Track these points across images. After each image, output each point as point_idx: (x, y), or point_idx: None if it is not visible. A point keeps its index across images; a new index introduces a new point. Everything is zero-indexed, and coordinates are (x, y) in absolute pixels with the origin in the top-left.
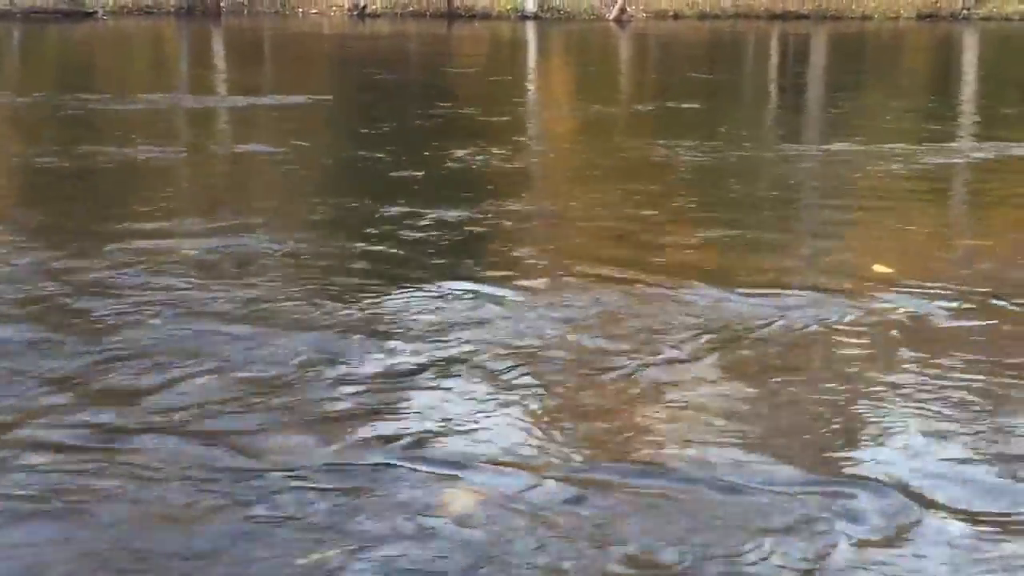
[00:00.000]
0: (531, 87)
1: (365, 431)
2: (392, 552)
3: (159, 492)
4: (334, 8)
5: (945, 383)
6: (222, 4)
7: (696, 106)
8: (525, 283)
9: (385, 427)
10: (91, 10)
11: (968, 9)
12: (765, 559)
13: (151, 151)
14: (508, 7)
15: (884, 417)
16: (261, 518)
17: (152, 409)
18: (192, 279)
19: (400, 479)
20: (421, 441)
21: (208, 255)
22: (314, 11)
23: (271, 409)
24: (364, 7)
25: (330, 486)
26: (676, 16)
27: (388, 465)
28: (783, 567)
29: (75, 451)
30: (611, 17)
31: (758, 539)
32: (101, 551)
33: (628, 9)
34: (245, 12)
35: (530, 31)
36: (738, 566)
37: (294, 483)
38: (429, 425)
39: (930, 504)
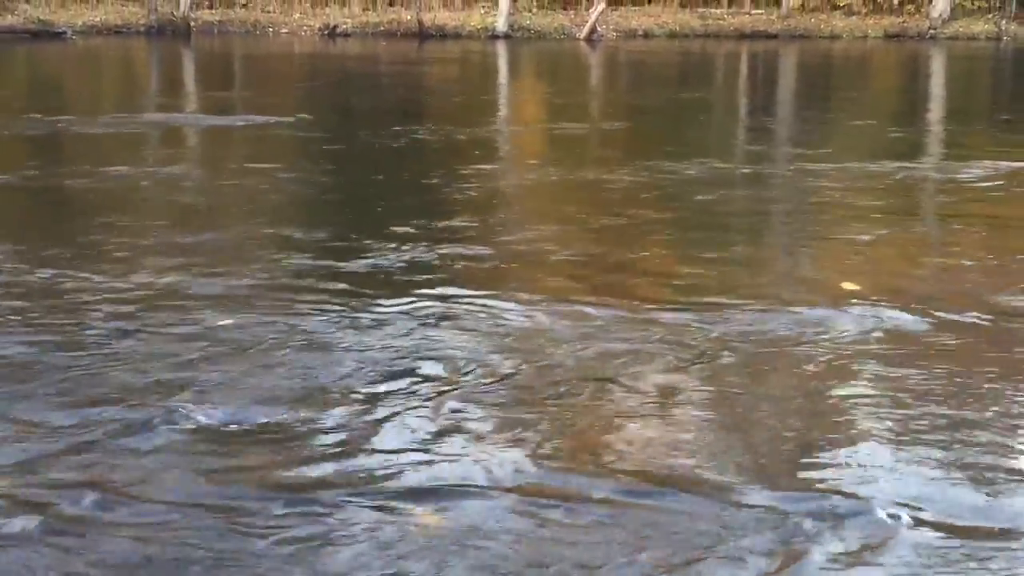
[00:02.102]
0: (500, 107)
1: (332, 455)
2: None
3: (120, 534)
4: (305, 28)
5: (915, 399)
6: (192, 24)
7: (664, 124)
8: (491, 303)
9: (352, 452)
10: (60, 30)
11: (935, 29)
12: (737, 574)
13: (115, 172)
14: (479, 27)
15: (854, 432)
16: (228, 550)
17: (119, 453)
18: (152, 301)
19: (366, 503)
20: (387, 464)
21: (159, 280)
22: (285, 31)
23: (236, 437)
24: (335, 27)
25: (296, 511)
26: (646, 35)
27: (354, 491)
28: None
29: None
30: (582, 36)
31: (730, 554)
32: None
33: (599, 28)
34: (215, 32)
35: (501, 50)
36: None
37: (257, 511)
38: (395, 447)
39: (903, 518)
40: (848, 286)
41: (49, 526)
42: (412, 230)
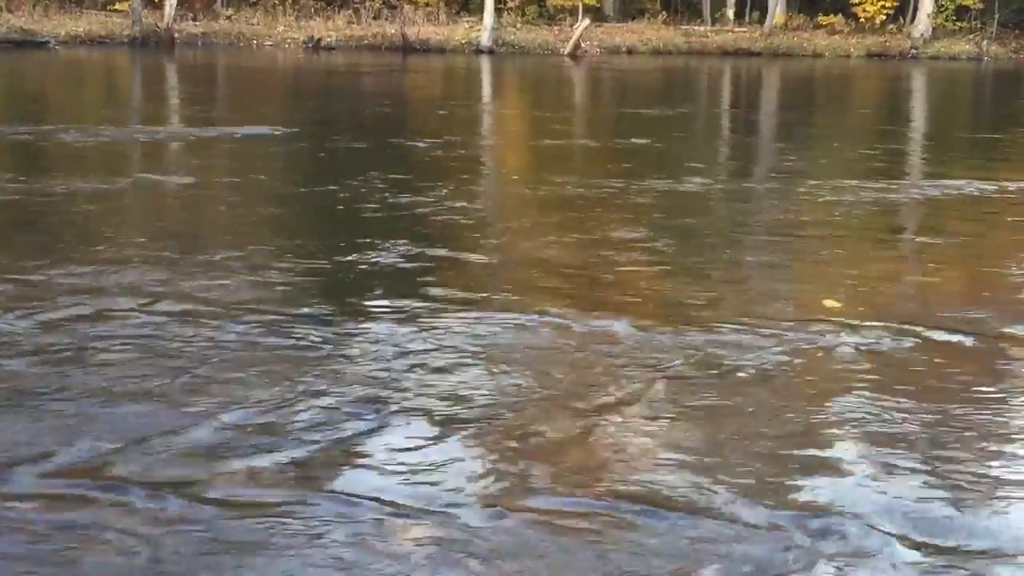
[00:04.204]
0: (483, 122)
1: (315, 470)
2: None
3: (111, 538)
4: (289, 40)
5: (894, 417)
6: (176, 36)
7: (646, 142)
8: (471, 317)
9: (335, 466)
10: (43, 39)
11: (916, 48)
12: None
13: (91, 184)
14: (463, 41)
15: (833, 450)
16: (218, 546)
17: (102, 446)
18: (139, 316)
19: (348, 516)
20: (370, 478)
21: (146, 289)
22: (269, 43)
23: (222, 450)
24: (319, 40)
25: (279, 522)
26: (630, 51)
27: (341, 494)
28: None
29: None
30: (566, 52)
31: (712, 571)
32: None
33: (583, 44)
34: (199, 44)
35: (485, 65)
36: None
37: (237, 521)
38: (377, 462)
39: (880, 536)
40: (829, 303)
41: None
42: (392, 243)
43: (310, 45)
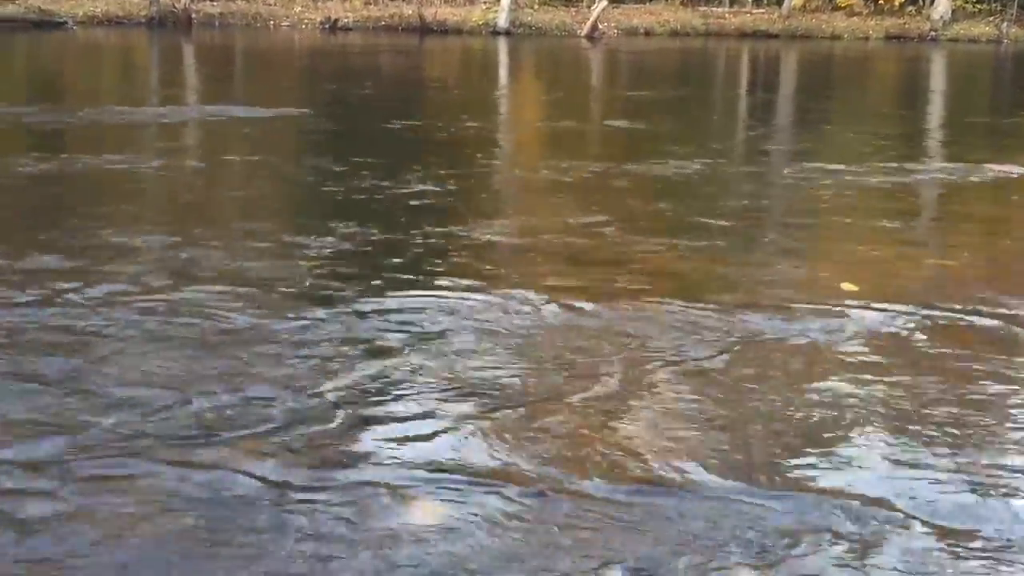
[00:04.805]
0: (500, 103)
1: (335, 445)
2: (363, 564)
3: (131, 510)
4: (306, 21)
5: (912, 400)
6: (193, 16)
7: (665, 124)
8: (490, 298)
9: (354, 440)
10: (61, 20)
11: (935, 31)
12: (730, 571)
13: (114, 162)
14: (480, 22)
15: (849, 433)
16: (234, 531)
17: (123, 429)
18: (156, 296)
19: (368, 492)
20: (390, 454)
21: (168, 265)
22: (286, 24)
23: (243, 425)
24: (336, 21)
25: (301, 499)
26: (647, 33)
27: (357, 479)
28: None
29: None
30: (583, 34)
31: (724, 553)
32: (61, 562)
33: (600, 26)
34: (216, 24)
35: (502, 47)
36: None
37: (266, 497)
38: (398, 437)
39: (898, 519)
40: (847, 287)
41: None
42: (410, 223)
43: (327, 26)
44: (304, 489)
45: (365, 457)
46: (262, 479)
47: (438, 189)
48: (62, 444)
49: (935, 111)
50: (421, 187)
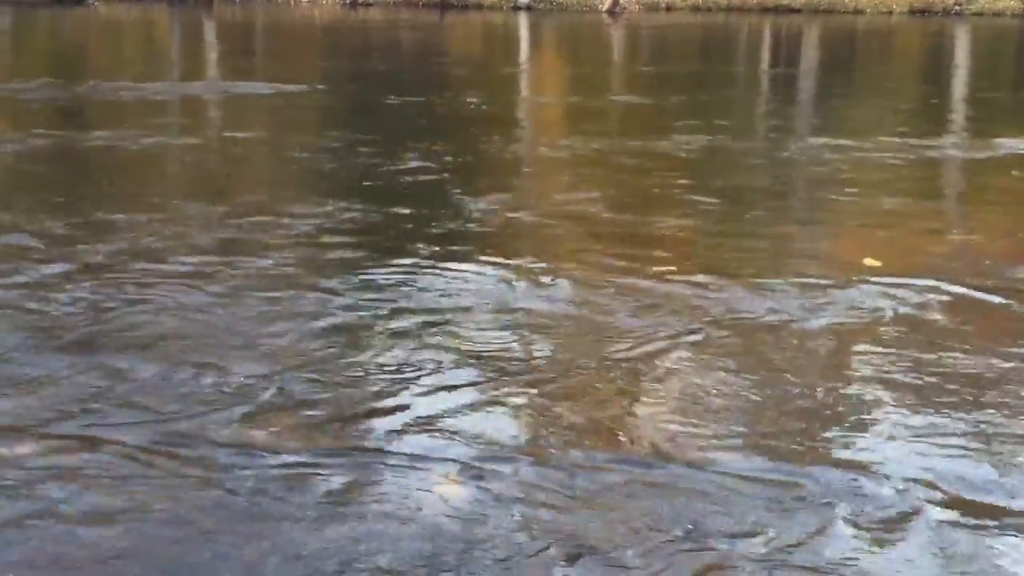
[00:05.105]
0: (521, 78)
1: (360, 419)
2: (385, 538)
3: (154, 483)
4: None
5: (935, 376)
6: None
7: (685, 99)
8: (514, 274)
9: (378, 415)
10: None
11: (960, 4)
12: (755, 545)
13: (140, 138)
14: None
15: (872, 408)
16: (258, 505)
17: (146, 402)
18: (188, 260)
19: (391, 466)
20: (413, 428)
21: (197, 237)
22: (306, 0)
23: (265, 398)
24: None
25: (324, 474)
26: (669, 8)
27: (380, 452)
28: (771, 554)
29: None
30: (604, 9)
31: (747, 528)
32: (88, 538)
33: (621, 1)
34: (237, 1)
35: (522, 22)
36: (734, 549)
37: (287, 471)
38: (420, 412)
39: (922, 495)
40: (870, 262)
41: None
42: (436, 198)
43: (347, 2)
44: (320, 466)
45: (383, 432)
46: (277, 454)
47: (432, 164)
48: (84, 415)
49: (961, 86)
50: (417, 164)
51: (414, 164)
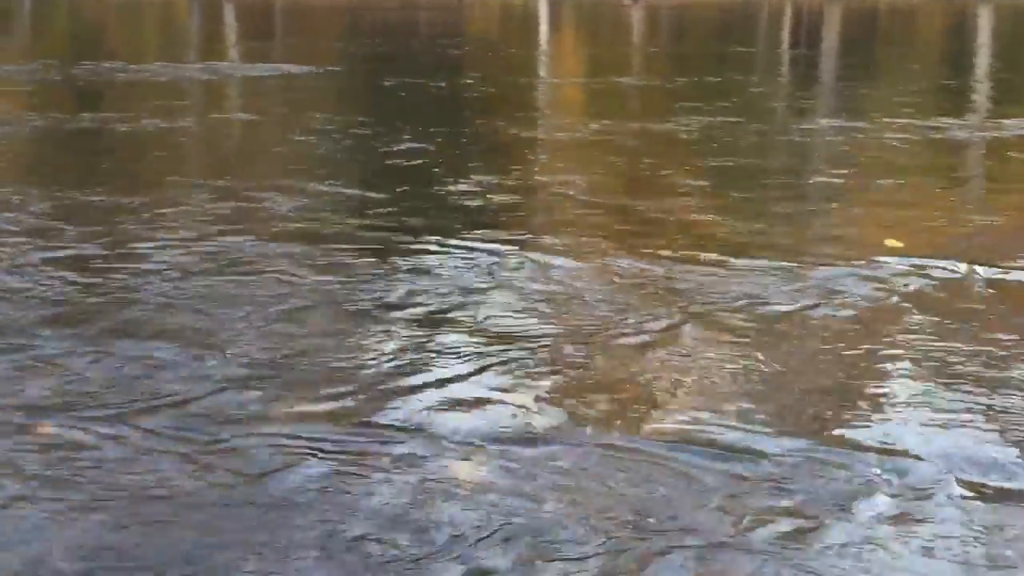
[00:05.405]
0: (541, 62)
1: (378, 401)
2: (404, 522)
3: (167, 465)
4: None
5: (957, 358)
6: None
7: (708, 79)
8: (532, 254)
9: (396, 396)
10: None
11: None
12: (777, 526)
13: (158, 120)
14: None
15: (892, 389)
16: (274, 488)
17: (160, 386)
18: (205, 242)
19: (411, 449)
20: (430, 410)
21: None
22: None
23: (284, 379)
24: None
25: (342, 455)
26: None
27: (398, 433)
28: (792, 535)
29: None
30: None
31: (768, 510)
32: (107, 521)
33: None
34: None
35: (542, 5)
36: (754, 530)
37: (305, 451)
38: (438, 395)
39: (938, 476)
40: (891, 243)
41: None
42: (451, 178)
43: None
44: (341, 446)
45: (402, 414)
46: (298, 436)
47: (425, 146)
48: (115, 397)
49: (985, 67)
50: (409, 145)
51: (408, 146)
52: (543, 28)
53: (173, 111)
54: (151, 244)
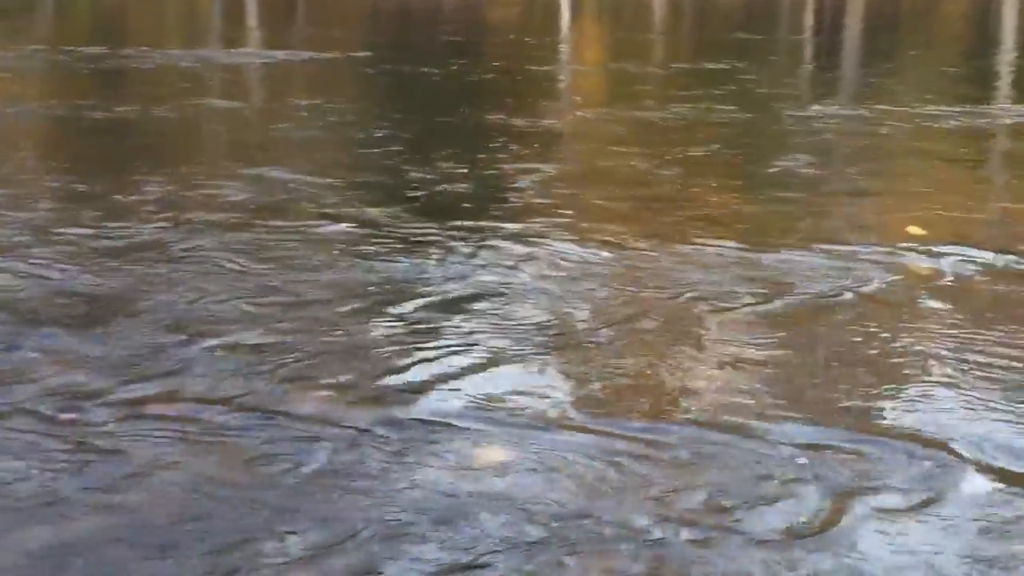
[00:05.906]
0: (563, 47)
1: (398, 386)
2: (427, 508)
3: (201, 452)
4: None
5: (980, 345)
6: None
7: (727, 66)
8: (553, 240)
9: (416, 382)
10: None
11: None
12: (800, 512)
13: (186, 106)
14: None
15: (916, 377)
16: (303, 473)
17: (189, 375)
18: (227, 220)
19: (432, 434)
20: (451, 396)
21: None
22: None
23: (307, 364)
24: None
25: (364, 441)
26: None
27: (420, 421)
28: (810, 520)
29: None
30: None
31: (791, 495)
32: (145, 508)
33: None
34: None
35: None
36: (772, 516)
37: (328, 438)
38: (459, 381)
39: (966, 466)
40: (914, 231)
41: None
42: (473, 163)
43: None
44: (362, 430)
45: (423, 400)
46: (318, 419)
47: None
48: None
49: (1009, 52)
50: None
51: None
52: (564, 15)
53: (174, 97)
54: (160, 229)
